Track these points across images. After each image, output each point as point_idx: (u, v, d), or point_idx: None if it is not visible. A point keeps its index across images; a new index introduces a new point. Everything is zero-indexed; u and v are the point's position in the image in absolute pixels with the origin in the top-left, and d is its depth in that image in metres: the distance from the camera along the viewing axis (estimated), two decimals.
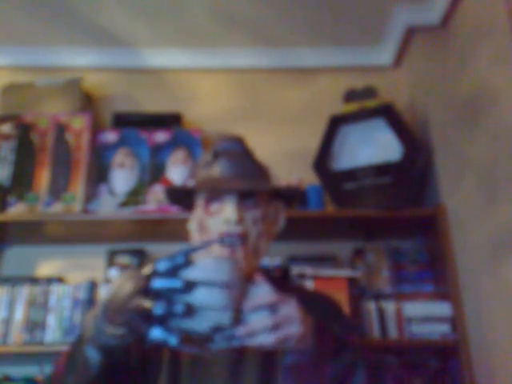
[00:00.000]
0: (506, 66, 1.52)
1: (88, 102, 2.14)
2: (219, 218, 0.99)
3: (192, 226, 1.06)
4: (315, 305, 1.00)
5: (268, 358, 0.94)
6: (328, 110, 2.08)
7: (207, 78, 2.29)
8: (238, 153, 1.07)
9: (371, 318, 1.74)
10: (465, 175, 1.75)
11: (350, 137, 1.99)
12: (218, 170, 1.03)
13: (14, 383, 1.70)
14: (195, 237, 1.04)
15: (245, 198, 1.01)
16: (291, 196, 1.11)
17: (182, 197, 1.10)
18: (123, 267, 1.87)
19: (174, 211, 1.80)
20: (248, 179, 1.03)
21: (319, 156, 1.97)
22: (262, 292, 0.79)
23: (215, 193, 1.01)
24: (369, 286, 1.83)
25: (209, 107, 2.23)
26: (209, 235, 1.00)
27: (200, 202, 1.04)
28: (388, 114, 1.93)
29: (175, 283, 0.71)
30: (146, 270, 0.75)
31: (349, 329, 1.03)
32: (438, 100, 1.95)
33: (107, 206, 1.85)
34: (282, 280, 1.49)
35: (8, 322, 1.71)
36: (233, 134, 1.12)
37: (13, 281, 1.78)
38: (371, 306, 1.76)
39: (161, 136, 1.97)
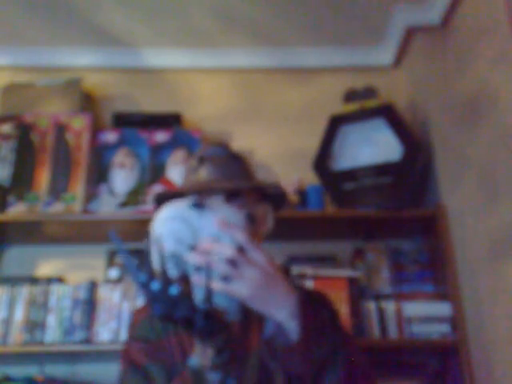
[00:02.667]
0: (506, 65, 1.52)
1: (88, 102, 2.14)
2: None
3: None
4: (313, 302, 1.01)
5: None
6: (328, 109, 2.08)
7: (207, 78, 2.29)
8: (223, 157, 1.08)
9: (371, 318, 1.74)
10: (465, 175, 1.75)
11: (349, 137, 1.99)
12: (204, 174, 1.05)
13: (13, 383, 1.70)
14: None
15: (231, 199, 1.02)
16: (278, 197, 1.12)
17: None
18: (123, 267, 1.87)
19: None
20: (233, 180, 1.04)
21: (319, 156, 1.97)
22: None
23: (201, 195, 1.02)
24: (369, 285, 1.83)
25: (209, 107, 2.23)
26: None
27: None
28: (388, 113, 1.93)
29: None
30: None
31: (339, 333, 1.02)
32: (437, 100, 1.95)
33: (107, 206, 1.85)
34: None
35: (8, 321, 1.71)
36: (218, 140, 1.14)
37: (13, 281, 1.78)
38: (371, 306, 1.76)
39: (161, 136, 1.97)
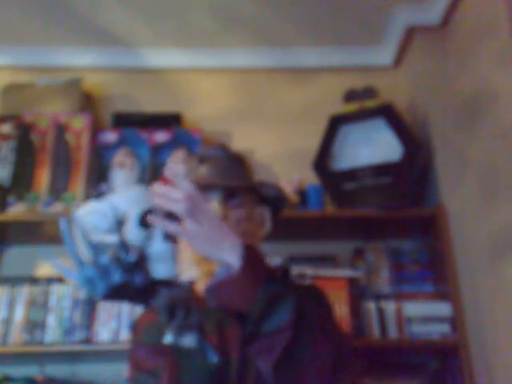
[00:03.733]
0: (506, 65, 1.52)
1: (88, 102, 2.14)
2: None
3: None
4: (307, 293, 1.03)
5: None
6: (328, 109, 2.08)
7: (207, 78, 2.29)
8: (222, 158, 1.11)
9: (371, 318, 1.74)
10: (465, 175, 1.75)
11: (349, 137, 1.99)
12: (202, 173, 1.08)
13: (14, 383, 1.70)
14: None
15: (229, 198, 1.03)
16: (277, 200, 1.13)
17: None
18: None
19: None
20: (231, 180, 1.06)
21: (319, 156, 1.97)
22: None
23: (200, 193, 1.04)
24: (369, 285, 1.83)
25: (209, 107, 2.23)
26: None
27: None
28: (388, 113, 1.93)
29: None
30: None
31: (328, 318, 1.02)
32: (437, 100, 1.95)
33: None
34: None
35: (8, 321, 1.71)
36: (217, 142, 1.17)
37: (13, 281, 1.78)
38: (371, 306, 1.76)
39: (161, 136, 1.97)
